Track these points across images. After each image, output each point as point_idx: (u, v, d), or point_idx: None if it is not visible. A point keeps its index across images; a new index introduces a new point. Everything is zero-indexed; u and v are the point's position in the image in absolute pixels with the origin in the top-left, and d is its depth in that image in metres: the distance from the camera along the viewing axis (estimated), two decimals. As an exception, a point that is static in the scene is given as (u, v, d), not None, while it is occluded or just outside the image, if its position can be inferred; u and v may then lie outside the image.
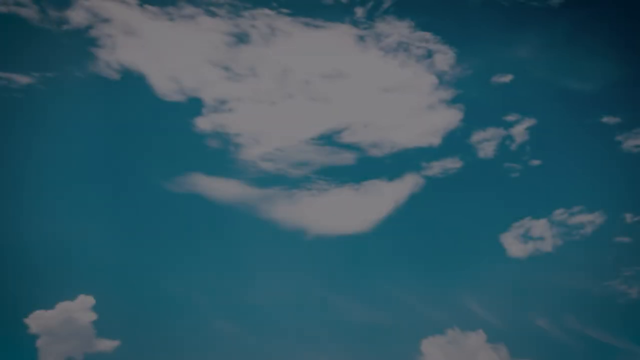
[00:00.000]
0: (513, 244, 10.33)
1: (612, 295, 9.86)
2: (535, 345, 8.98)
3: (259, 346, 9.78)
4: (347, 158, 10.47)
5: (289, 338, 9.99)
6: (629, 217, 10.89)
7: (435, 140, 10.90)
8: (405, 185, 11.20)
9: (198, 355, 9.52)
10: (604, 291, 9.79)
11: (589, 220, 10.45)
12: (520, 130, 11.56)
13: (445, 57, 11.55)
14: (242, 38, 11.40)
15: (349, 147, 10.49)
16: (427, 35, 10.98)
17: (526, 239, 10.49)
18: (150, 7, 10.62)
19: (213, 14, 10.59)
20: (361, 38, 11.29)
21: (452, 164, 10.94)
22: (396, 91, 11.06)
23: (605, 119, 11.43)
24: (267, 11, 10.70)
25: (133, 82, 10.37)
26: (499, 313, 8.86)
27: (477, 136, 10.91)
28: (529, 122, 11.56)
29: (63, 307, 8.65)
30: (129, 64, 10.41)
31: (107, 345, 8.15)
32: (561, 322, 8.80)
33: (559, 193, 10.64)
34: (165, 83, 10.82)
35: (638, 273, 9.89)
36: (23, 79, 9.83)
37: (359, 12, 11.79)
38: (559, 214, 10.64)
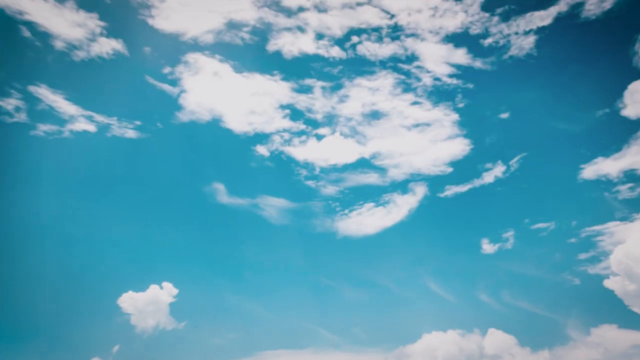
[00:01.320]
0: (487, 245, 12.42)
1: (560, 282, 11.74)
2: (477, 313, 10.09)
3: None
4: (374, 177, 13.92)
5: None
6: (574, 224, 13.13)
7: (447, 169, 14.17)
8: (416, 198, 14.13)
9: (250, 338, 12.17)
10: (555, 279, 12.98)
11: (546, 226, 12.94)
12: (513, 162, 14.29)
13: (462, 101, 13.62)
14: (304, 88, 12.86)
15: (376, 168, 13.96)
16: (454, 81, 13.10)
17: (498, 241, 12.94)
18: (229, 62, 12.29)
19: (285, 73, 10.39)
20: (398, 83, 13.89)
21: (458, 185, 14.05)
22: (421, 126, 13.99)
23: (570, 152, 14.48)
24: (327, 69, 11.56)
25: (215, 121, 12.74)
26: (455, 292, 9.46)
27: (480, 165, 13.39)
28: (520, 155, 14.00)
29: (151, 291, 11.29)
30: (212, 108, 11.96)
31: (178, 324, 10.38)
32: (502, 299, 11.49)
33: (528, 207, 14.19)
34: (241, 122, 12.51)
35: (582, 266, 12.57)
36: (134, 123, 12.91)
37: (398, 63, 13.23)
38: (526, 222, 13.02)
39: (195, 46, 11.64)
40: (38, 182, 10.58)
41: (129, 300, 10.31)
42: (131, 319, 10.18)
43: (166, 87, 11.43)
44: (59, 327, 9.75)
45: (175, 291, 10.90)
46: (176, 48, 11.48)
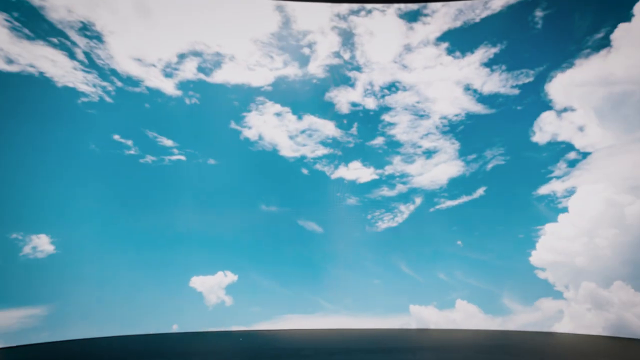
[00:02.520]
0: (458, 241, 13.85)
1: (507, 266, 14.98)
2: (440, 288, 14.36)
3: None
4: (385, 190, 16.20)
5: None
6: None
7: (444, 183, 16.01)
8: (415, 206, 16.03)
9: (273, 307, 14.99)
10: (503, 264, 15.04)
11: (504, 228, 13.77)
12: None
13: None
14: (344, 126, 16.46)
15: (389, 184, 16.02)
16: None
17: (469, 237, 14.41)
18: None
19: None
20: (414, 119, 16.12)
21: (450, 199, 15.85)
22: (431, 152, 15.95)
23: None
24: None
25: (274, 150, 16.12)
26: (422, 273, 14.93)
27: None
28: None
29: (217, 276, 14.33)
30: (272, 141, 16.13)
31: (229, 300, 13.91)
32: (455, 277, 14.62)
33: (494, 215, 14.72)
34: (292, 149, 16.18)
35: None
36: (214, 153, 15.72)
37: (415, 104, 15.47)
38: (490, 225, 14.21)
39: (265, 93, 14.27)
40: (147, 195, 14.41)
41: (199, 282, 14.44)
42: (201, 296, 14.14)
43: (238, 126, 14.34)
44: (149, 300, 13.02)
45: (234, 277, 14.70)
46: (248, 95, 14.14)
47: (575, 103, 13.85)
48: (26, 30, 12.19)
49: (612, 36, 12.85)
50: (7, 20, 11.81)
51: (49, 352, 10.09)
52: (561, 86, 13.74)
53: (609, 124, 13.17)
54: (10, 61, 12.06)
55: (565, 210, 13.66)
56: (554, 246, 13.16)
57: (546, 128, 14.27)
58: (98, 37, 13.48)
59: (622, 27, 12.68)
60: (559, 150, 14.25)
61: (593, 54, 13.26)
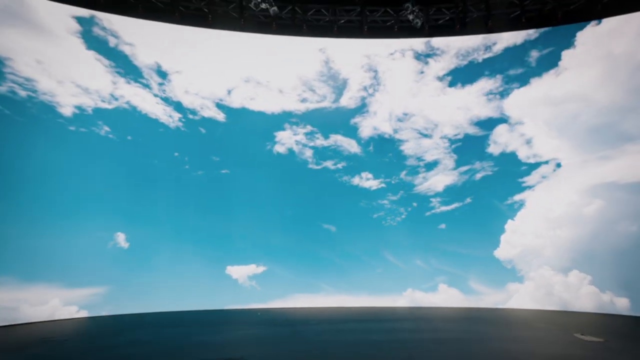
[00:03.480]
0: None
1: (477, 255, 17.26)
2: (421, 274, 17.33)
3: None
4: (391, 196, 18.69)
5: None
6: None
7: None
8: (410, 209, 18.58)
9: (285, 288, 17.67)
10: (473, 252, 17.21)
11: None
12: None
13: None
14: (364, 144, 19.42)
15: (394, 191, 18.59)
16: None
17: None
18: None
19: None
20: (419, 137, 19.21)
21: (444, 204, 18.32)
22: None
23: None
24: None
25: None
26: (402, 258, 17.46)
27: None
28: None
29: (249, 266, 16.98)
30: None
31: (257, 285, 16.61)
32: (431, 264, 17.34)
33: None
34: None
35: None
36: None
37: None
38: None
39: (299, 116, 17.82)
40: (198, 201, 18.06)
41: (235, 270, 17.27)
42: (236, 282, 17.10)
43: (271, 143, 17.81)
44: (196, 283, 16.27)
45: (263, 268, 17.74)
46: (284, 118, 17.59)
47: (526, 118, 16.69)
48: (121, 72, 15.96)
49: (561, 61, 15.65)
50: (110, 67, 15.47)
51: (130, 320, 13.07)
52: (516, 102, 16.58)
53: (561, 137, 15.94)
54: (115, 98, 15.85)
55: (528, 211, 16.55)
56: (518, 241, 15.98)
57: (500, 140, 17.13)
58: (166, 75, 17.19)
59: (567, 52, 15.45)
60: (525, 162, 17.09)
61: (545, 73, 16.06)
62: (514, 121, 17.04)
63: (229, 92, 18.35)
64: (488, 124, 17.81)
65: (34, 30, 13.93)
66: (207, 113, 17.94)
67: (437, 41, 17.34)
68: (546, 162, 16.17)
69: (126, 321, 13.15)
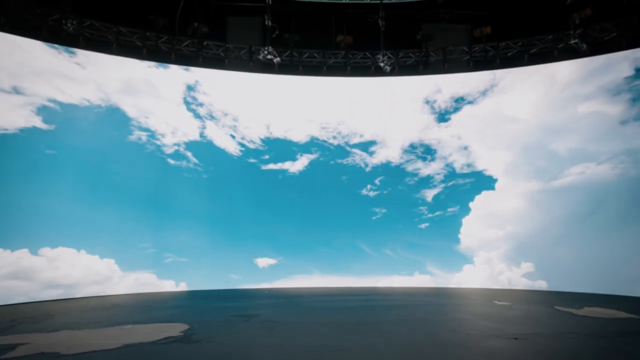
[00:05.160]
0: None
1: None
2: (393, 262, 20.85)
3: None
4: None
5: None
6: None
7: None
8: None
9: (286, 270, 21.09)
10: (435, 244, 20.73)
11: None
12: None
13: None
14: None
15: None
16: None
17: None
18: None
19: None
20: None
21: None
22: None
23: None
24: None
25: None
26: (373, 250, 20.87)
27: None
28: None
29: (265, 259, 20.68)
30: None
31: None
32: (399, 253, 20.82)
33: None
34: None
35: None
36: None
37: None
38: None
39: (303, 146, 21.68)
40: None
41: (260, 261, 20.61)
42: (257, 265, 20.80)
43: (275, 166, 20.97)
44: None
45: (280, 258, 21.37)
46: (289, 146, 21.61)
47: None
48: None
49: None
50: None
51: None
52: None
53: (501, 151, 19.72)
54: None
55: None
56: (472, 235, 19.86)
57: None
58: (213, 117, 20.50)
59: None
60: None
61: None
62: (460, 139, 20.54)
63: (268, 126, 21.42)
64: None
65: (152, 95, 18.20)
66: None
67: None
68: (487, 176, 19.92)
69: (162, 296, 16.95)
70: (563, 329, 9.20)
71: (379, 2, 15.30)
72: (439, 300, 15.10)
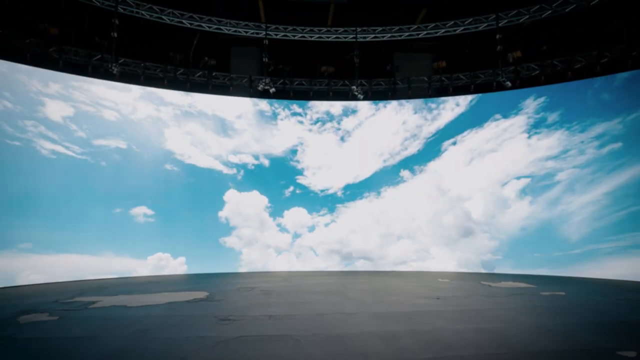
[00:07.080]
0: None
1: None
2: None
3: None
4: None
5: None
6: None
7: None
8: None
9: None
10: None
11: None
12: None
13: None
14: None
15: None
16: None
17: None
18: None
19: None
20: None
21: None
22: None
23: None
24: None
25: None
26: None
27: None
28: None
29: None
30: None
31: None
32: None
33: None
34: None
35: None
36: None
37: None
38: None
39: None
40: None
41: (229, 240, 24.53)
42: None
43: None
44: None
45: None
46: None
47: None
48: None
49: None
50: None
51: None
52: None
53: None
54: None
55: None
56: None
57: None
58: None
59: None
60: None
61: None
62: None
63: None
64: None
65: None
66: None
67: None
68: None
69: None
70: (473, 293, 13.17)
71: (354, 41, 19.10)
72: (401, 278, 19.02)
